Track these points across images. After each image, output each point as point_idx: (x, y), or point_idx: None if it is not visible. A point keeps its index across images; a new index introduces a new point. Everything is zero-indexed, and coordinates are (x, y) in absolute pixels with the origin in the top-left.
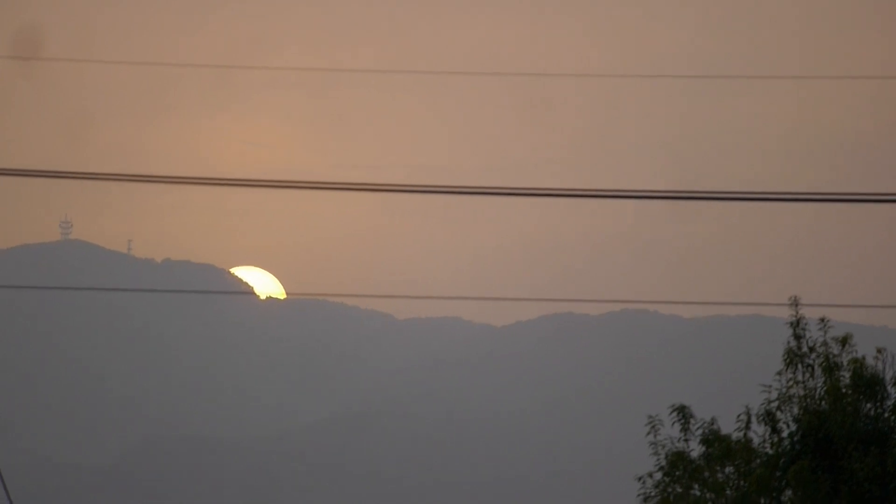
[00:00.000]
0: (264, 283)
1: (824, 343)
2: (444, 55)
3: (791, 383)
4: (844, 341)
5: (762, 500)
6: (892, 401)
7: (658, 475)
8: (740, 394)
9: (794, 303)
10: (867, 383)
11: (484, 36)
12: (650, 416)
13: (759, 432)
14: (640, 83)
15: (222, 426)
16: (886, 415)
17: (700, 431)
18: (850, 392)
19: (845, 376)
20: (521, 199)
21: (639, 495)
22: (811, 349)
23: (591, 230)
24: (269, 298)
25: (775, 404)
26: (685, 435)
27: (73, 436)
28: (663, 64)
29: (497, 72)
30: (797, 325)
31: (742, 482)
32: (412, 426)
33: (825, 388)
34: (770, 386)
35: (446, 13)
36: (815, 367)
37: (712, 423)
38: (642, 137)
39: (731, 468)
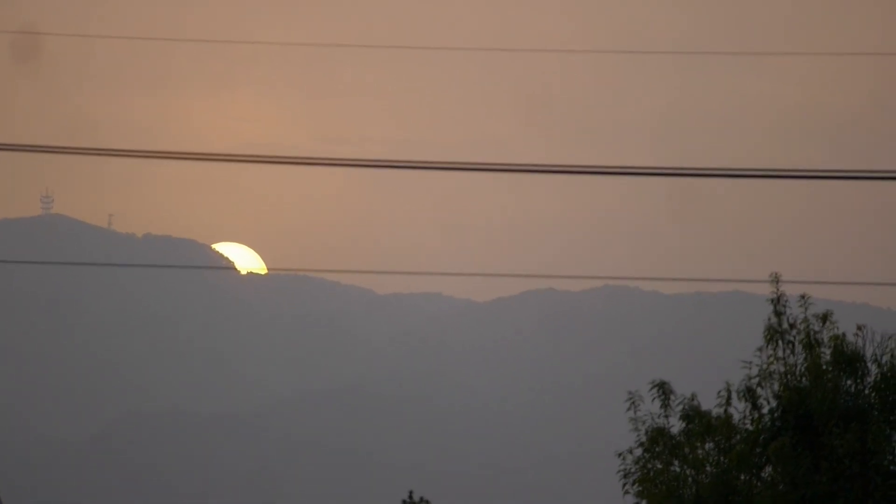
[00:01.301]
0: (245, 259)
1: (805, 320)
2: (428, 30)
3: (772, 360)
4: (825, 318)
5: (742, 477)
6: (873, 378)
7: (638, 451)
8: (721, 370)
9: (775, 279)
10: (848, 360)
11: (469, 11)
12: (630, 392)
13: (739, 409)
14: (622, 59)
15: (202, 400)
16: (867, 391)
17: (680, 407)
18: (830, 369)
19: (826, 353)
20: (503, 175)
21: (619, 471)
22: (792, 326)
23: (573, 207)
24: (250, 273)
25: (756, 381)
26: (665, 411)
27: (54, 409)
28: (645, 40)
29: (482, 47)
30: (778, 301)
31: (722, 458)
32: (393, 401)
33: (806, 365)
34: (750, 362)
35: None
36: (796, 343)
37: (692, 400)
38: (624, 114)
39: (712, 444)
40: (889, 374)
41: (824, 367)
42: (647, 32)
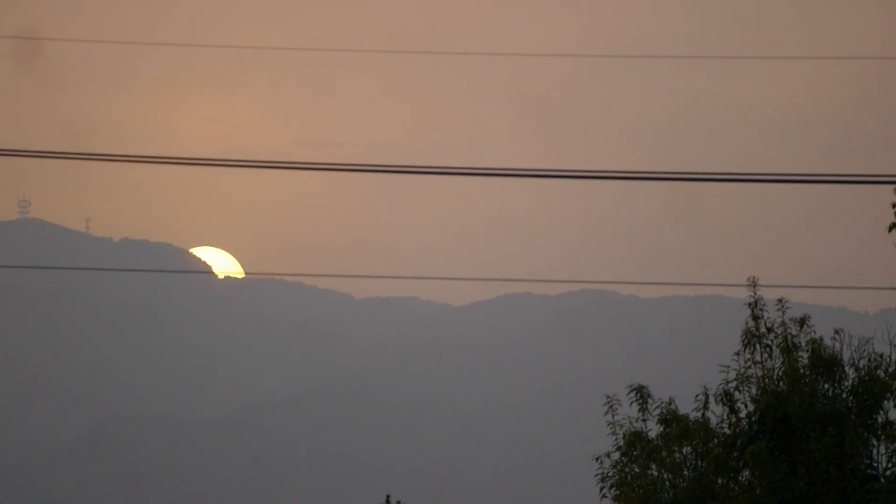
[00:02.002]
0: (222, 262)
1: (782, 324)
2: (402, 34)
3: (749, 364)
4: (802, 322)
5: (720, 480)
6: (850, 382)
7: (616, 455)
8: (698, 374)
9: (753, 283)
10: (825, 364)
11: (445, 14)
12: (608, 396)
13: (717, 412)
14: (594, 63)
15: (180, 404)
16: (844, 395)
17: (658, 411)
18: (808, 373)
19: (803, 357)
20: (479, 179)
21: (596, 475)
22: (769, 330)
23: (549, 210)
24: (227, 278)
25: (733, 384)
26: (643, 415)
27: (32, 413)
28: (617, 44)
29: (458, 51)
30: (755, 305)
31: (700, 462)
32: (370, 404)
33: (783, 369)
34: (728, 366)
35: None
36: (774, 347)
37: (670, 403)
38: (599, 117)
39: (689, 448)
40: (866, 378)
41: (802, 371)
42: (642, 37)
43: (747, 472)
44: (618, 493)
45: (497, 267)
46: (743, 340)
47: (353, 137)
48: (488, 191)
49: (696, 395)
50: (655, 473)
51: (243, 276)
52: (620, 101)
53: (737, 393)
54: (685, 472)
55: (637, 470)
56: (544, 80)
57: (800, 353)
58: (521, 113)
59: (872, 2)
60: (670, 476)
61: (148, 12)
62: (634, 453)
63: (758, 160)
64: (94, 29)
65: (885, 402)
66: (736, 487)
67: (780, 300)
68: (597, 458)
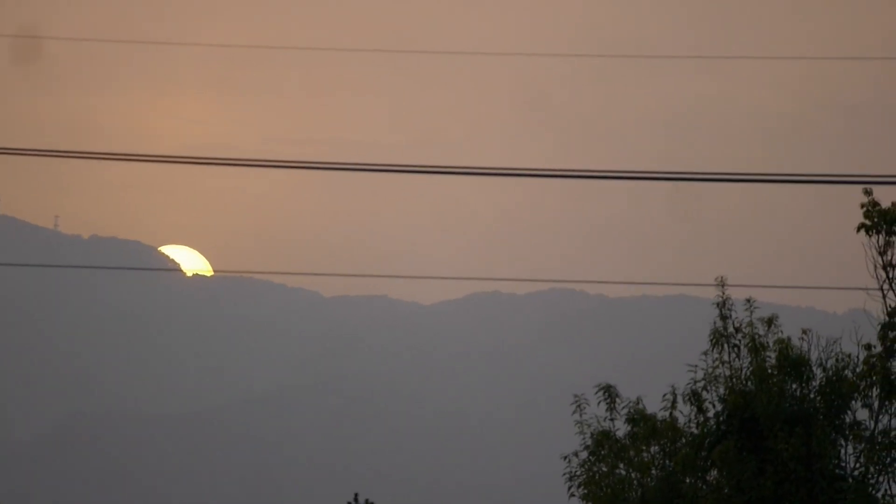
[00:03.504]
0: (191, 260)
1: (750, 323)
2: (376, 31)
3: (717, 363)
4: (770, 322)
5: (688, 480)
6: (818, 382)
7: (583, 454)
8: (666, 373)
9: (721, 283)
10: (793, 364)
11: (434, 12)
12: (576, 395)
13: (684, 412)
14: (569, 63)
15: (148, 401)
16: (812, 395)
17: (626, 411)
18: (775, 373)
19: (771, 357)
20: (448, 177)
21: (564, 474)
22: (737, 329)
23: (518, 209)
24: (196, 275)
25: (701, 384)
26: (611, 414)
27: (5, 409)
28: (609, 44)
29: (434, 50)
30: (723, 305)
31: (667, 462)
32: (337, 403)
33: (751, 369)
34: (696, 366)
35: None
36: (741, 347)
37: (638, 403)
38: (572, 116)
39: (657, 448)
40: (834, 378)
41: (769, 370)
42: (637, 37)
43: (715, 472)
44: (586, 492)
45: (466, 266)
46: (711, 340)
47: (322, 135)
48: (458, 190)
49: (664, 395)
50: (623, 473)
51: (212, 273)
52: (609, 101)
53: (705, 393)
54: (653, 472)
55: (605, 469)
56: (534, 80)
57: (767, 353)
58: (499, 111)
59: (873, 3)
60: (638, 475)
61: (121, 11)
62: (602, 452)
63: (724, 160)
64: (63, 27)
65: (853, 402)
66: (704, 487)
67: (748, 300)
68: (565, 457)
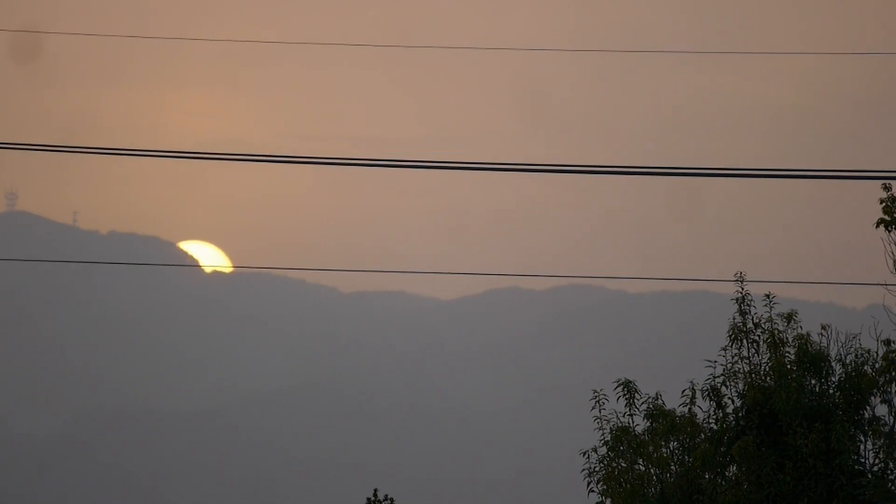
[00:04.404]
0: (210, 256)
1: (769, 319)
2: (387, 27)
3: (736, 359)
4: (790, 317)
5: (706, 476)
6: (837, 377)
7: (602, 450)
8: (685, 369)
9: (740, 279)
10: (812, 360)
11: (431, 7)
12: (595, 391)
13: (703, 408)
14: (585, 57)
15: (167, 398)
16: (831, 391)
17: (645, 406)
18: (795, 368)
19: (790, 353)
20: (465, 172)
21: (583, 470)
22: (756, 325)
23: (537, 205)
24: (215, 271)
25: (720, 380)
26: (630, 410)
27: (16, 405)
28: (609, 39)
29: (446, 45)
30: (742, 300)
31: (686, 457)
32: (357, 399)
33: (770, 365)
34: (715, 361)
35: None
36: (761, 343)
37: (657, 398)
38: (586, 111)
39: (676, 443)
40: (853, 373)
41: (789, 366)
42: (639, 32)
43: (734, 468)
44: (605, 487)
45: (485, 261)
46: (730, 336)
47: (340, 131)
48: (476, 185)
49: (683, 391)
50: (642, 468)
51: (231, 269)
52: (613, 96)
53: (724, 388)
54: (672, 467)
55: (624, 465)
56: (534, 75)
57: (787, 349)
58: (512, 107)
59: None
60: (657, 471)
61: (137, 6)
62: (621, 448)
63: (745, 156)
64: (81, 23)
65: (872, 397)
66: (723, 482)
67: (767, 295)
68: (583, 453)
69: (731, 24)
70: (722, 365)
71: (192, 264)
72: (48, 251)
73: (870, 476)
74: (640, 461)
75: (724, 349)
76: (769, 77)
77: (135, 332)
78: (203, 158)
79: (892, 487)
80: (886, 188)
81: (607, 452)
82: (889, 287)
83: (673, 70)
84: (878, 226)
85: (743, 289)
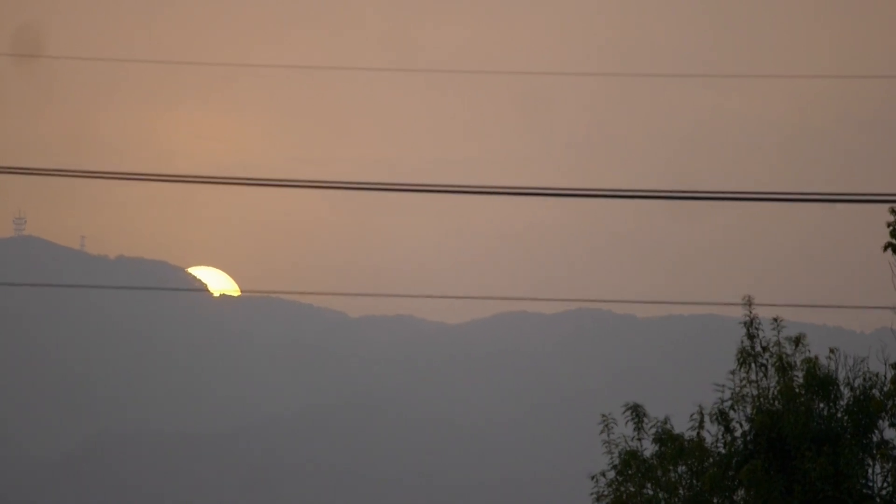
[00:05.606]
0: (218, 281)
1: (777, 343)
2: (396, 51)
3: (744, 383)
4: (798, 341)
5: (715, 500)
6: (845, 401)
7: (611, 474)
8: (693, 393)
9: (748, 302)
10: (820, 383)
11: (439, 31)
12: (603, 415)
13: (712, 431)
14: (583, 81)
15: (178, 421)
16: (839, 415)
17: (653, 430)
18: (803, 392)
19: (798, 376)
20: (473, 196)
21: (591, 494)
22: (764, 349)
23: (546, 229)
24: (223, 296)
25: (728, 403)
26: (638, 434)
27: (27, 430)
28: (612, 61)
29: (454, 69)
30: (750, 324)
31: (695, 481)
32: (364, 423)
33: (778, 388)
34: (723, 385)
35: (404, 7)
36: (769, 366)
37: (665, 422)
38: (597, 135)
39: (684, 467)
40: (861, 397)
41: (797, 390)
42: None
43: (742, 492)
44: None
45: (493, 285)
46: (738, 359)
47: (349, 154)
48: (484, 209)
49: (692, 415)
50: (651, 492)
51: (239, 294)
52: (621, 120)
53: (732, 412)
54: (680, 492)
55: (632, 489)
56: (542, 99)
57: (795, 373)
58: (521, 131)
59: (880, 21)
60: (666, 495)
61: (143, 28)
62: (630, 472)
63: (752, 179)
64: (87, 45)
65: (880, 421)
66: None
67: (775, 319)
68: (592, 477)
69: (738, 47)
70: (730, 388)
71: (201, 288)
72: (56, 276)
73: (878, 500)
74: (649, 485)
75: (733, 373)
76: (777, 100)
77: (144, 356)
78: (212, 183)
79: None
80: (894, 212)
81: (615, 476)
82: None
83: (681, 93)
84: (885, 249)
85: (751, 312)
